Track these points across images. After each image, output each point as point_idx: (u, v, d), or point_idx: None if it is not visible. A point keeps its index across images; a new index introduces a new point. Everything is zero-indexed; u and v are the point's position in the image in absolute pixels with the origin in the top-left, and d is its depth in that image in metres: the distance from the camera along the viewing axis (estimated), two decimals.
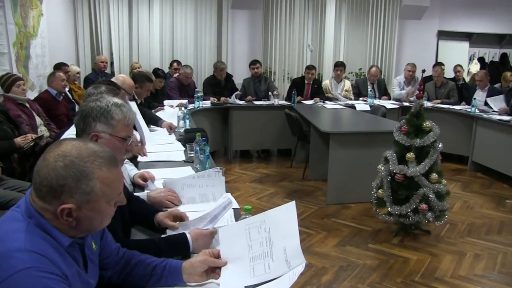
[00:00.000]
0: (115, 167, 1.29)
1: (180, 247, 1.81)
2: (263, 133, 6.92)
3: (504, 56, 9.41)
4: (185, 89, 6.78)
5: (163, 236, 1.95)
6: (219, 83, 7.06)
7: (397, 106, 7.21)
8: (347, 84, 7.71)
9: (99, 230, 1.38)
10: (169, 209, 2.29)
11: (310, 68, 7.36)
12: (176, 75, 7.08)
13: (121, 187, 1.34)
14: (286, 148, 7.18)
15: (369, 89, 7.46)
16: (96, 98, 1.90)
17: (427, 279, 3.56)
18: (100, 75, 6.72)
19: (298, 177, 6.09)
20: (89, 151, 1.24)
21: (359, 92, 7.71)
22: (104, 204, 1.26)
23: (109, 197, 1.26)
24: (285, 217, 1.67)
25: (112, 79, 3.71)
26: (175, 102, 5.97)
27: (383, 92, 7.80)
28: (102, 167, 1.23)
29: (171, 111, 5.50)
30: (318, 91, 7.41)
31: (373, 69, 7.76)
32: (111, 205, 1.30)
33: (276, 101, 6.93)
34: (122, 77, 4.17)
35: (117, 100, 1.89)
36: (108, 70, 7.41)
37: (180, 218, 2.06)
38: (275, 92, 7.05)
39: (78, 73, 6.71)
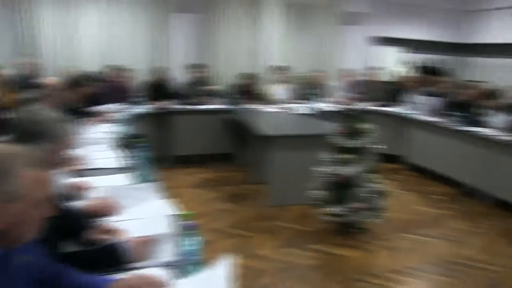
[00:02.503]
0: (42, 170, 1.24)
1: (118, 257, 1.75)
2: (205, 138, 6.88)
3: (436, 62, 9.83)
4: (120, 94, 6.61)
5: (101, 245, 1.88)
6: (159, 87, 6.96)
7: (336, 109, 7.37)
8: (288, 87, 7.81)
9: (27, 239, 1.28)
10: (102, 220, 2.23)
11: (245, 77, 7.41)
12: (112, 78, 6.89)
13: (48, 193, 1.28)
14: (227, 152, 7.17)
15: (310, 93, 7.59)
16: (29, 110, 1.84)
17: (366, 275, 3.67)
18: (28, 78, 6.39)
19: (239, 181, 6.10)
20: (15, 150, 1.21)
21: (300, 95, 7.83)
22: (28, 207, 1.19)
23: (33, 199, 1.20)
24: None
25: (39, 83, 3.58)
26: (110, 107, 5.80)
27: (325, 96, 7.95)
28: (26, 166, 1.19)
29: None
30: (257, 96, 7.45)
31: (318, 73, 7.93)
32: (37, 210, 1.23)
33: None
34: (49, 80, 4.02)
35: (51, 114, 1.86)
36: (37, 73, 7.05)
37: (110, 232, 1.98)
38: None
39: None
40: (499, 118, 5.57)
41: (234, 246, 4.09)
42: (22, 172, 1.17)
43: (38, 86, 2.85)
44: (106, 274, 1.66)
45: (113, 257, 1.76)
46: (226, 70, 8.30)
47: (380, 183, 4.29)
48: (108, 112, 5.53)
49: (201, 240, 1.77)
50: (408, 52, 9.47)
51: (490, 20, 9.00)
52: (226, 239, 4.27)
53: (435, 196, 5.75)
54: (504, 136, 5.23)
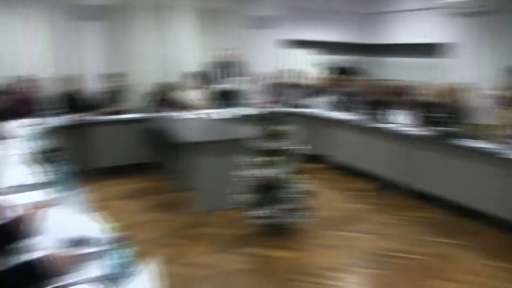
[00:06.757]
0: None
1: (38, 274, 1.60)
2: (126, 148, 6.68)
3: (349, 62, 10.17)
4: (29, 107, 6.20)
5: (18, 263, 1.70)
6: (74, 98, 6.66)
7: (254, 113, 7.34)
8: (198, 93, 7.68)
9: None
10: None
11: (160, 85, 7.46)
12: (20, 91, 6.44)
13: None
14: (149, 161, 6.94)
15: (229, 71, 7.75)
16: None
17: (300, 274, 3.70)
18: None
19: (166, 190, 5.94)
20: None
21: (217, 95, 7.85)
22: None
23: None
24: None
25: None
26: (23, 121, 5.42)
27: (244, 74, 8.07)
28: None
29: None
30: (173, 103, 7.32)
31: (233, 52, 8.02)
32: None
33: None
34: None
35: None
36: None
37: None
38: None
39: None
40: (406, 114, 5.89)
41: (168, 255, 3.95)
42: None
43: None
44: None
45: (32, 275, 1.60)
46: (141, 78, 8.04)
47: (306, 183, 4.35)
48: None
49: (133, 251, 1.69)
50: (319, 53, 9.69)
51: (394, 22, 9.51)
52: (158, 248, 4.12)
53: (359, 192, 5.93)
54: (414, 131, 5.55)
